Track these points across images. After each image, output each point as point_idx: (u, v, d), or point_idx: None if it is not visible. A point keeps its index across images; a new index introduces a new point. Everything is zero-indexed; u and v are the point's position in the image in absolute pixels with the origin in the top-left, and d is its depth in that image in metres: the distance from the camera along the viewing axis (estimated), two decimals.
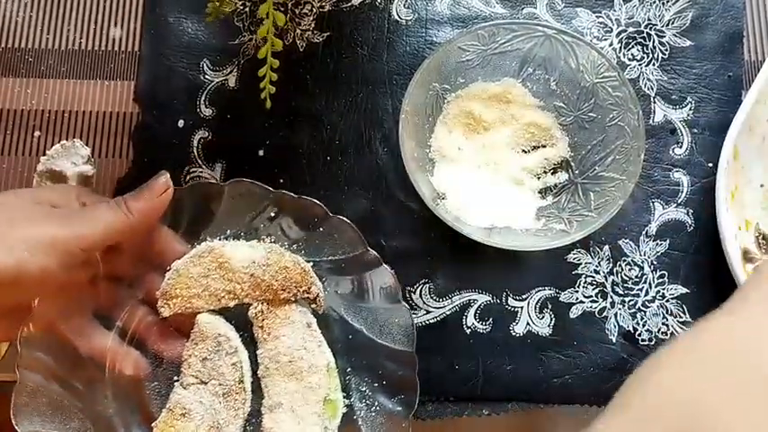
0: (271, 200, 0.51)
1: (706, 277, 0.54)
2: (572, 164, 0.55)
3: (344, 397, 0.50)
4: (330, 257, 0.51)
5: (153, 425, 0.49)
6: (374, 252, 0.50)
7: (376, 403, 0.50)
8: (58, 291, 0.46)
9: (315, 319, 0.50)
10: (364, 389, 0.51)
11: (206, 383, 0.48)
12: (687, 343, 0.37)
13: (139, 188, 0.47)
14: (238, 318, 0.51)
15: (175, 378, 0.50)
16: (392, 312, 0.50)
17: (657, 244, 0.55)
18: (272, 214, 0.51)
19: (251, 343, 0.50)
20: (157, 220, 0.48)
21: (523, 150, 0.55)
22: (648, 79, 0.57)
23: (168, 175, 0.48)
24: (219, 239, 0.51)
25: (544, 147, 0.55)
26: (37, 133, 0.57)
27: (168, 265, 0.49)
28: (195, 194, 0.51)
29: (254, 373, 0.50)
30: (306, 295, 0.50)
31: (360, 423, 0.50)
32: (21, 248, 0.42)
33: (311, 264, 0.51)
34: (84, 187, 0.49)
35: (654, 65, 0.57)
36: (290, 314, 0.50)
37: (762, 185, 0.55)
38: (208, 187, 0.51)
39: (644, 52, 0.57)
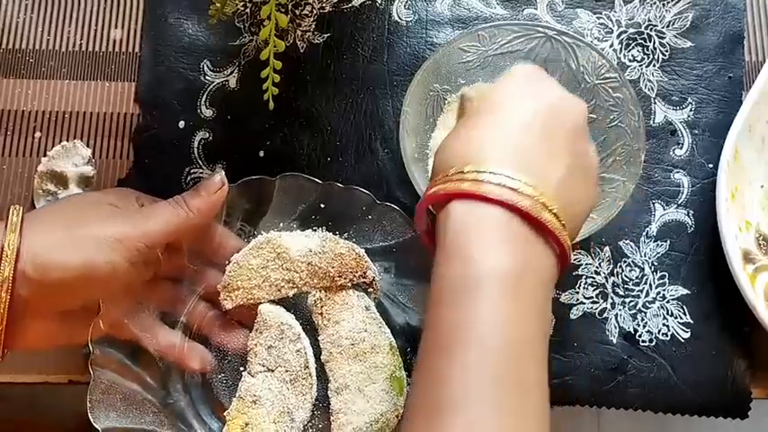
0: (319, 191, 0.52)
1: (707, 278, 0.54)
2: None
3: (407, 376, 0.51)
4: (381, 243, 0.52)
5: (225, 413, 0.50)
6: None
7: None
8: (124, 289, 0.47)
9: (372, 303, 0.51)
10: None
11: (273, 371, 0.50)
12: None
13: (195, 186, 0.49)
14: (297, 306, 0.52)
15: (241, 368, 0.51)
16: None
17: (658, 245, 0.55)
18: (322, 205, 0.52)
19: (311, 330, 0.51)
20: (213, 217, 0.50)
21: None
22: (649, 80, 0.57)
23: (223, 173, 0.50)
24: (272, 232, 0.52)
25: None
26: (37, 134, 0.57)
27: (225, 261, 0.51)
28: (247, 191, 0.52)
29: (317, 359, 0.51)
30: (362, 280, 0.51)
31: None
32: (89, 247, 0.44)
33: (363, 250, 0.52)
34: (140, 192, 0.51)
35: (654, 66, 0.57)
36: (348, 299, 0.51)
37: (762, 186, 0.55)
38: (258, 183, 0.52)
39: (644, 53, 0.57)
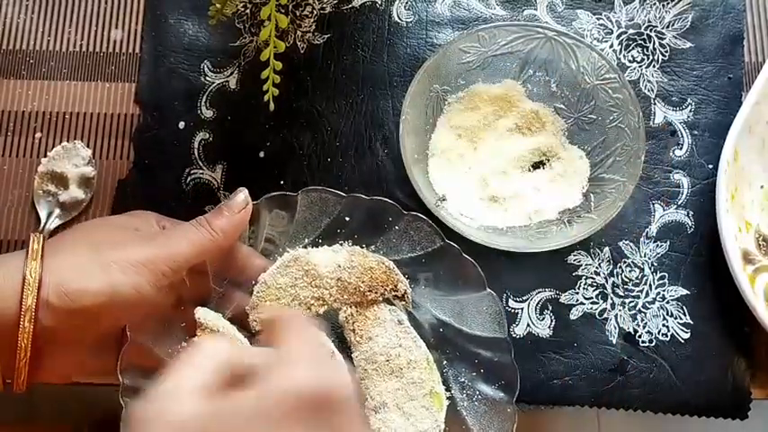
0: (343, 204, 0.51)
1: (706, 279, 0.54)
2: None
3: (444, 390, 0.50)
4: (410, 254, 0.51)
5: None
6: (453, 243, 0.50)
7: (477, 392, 0.50)
8: (150, 314, 0.46)
9: (405, 316, 0.50)
10: (463, 379, 0.50)
11: None
12: None
13: (218, 206, 0.48)
14: (327, 324, 0.51)
15: None
16: (479, 301, 0.50)
17: (658, 245, 0.55)
18: (347, 218, 0.51)
19: (344, 348, 0.50)
20: (238, 237, 0.49)
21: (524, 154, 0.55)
22: (649, 81, 0.57)
23: (247, 192, 0.48)
24: (299, 248, 0.51)
25: (547, 158, 0.55)
26: (38, 135, 0.57)
27: (251, 282, 0.49)
28: (270, 207, 0.51)
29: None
30: (393, 293, 0.50)
31: (464, 414, 0.50)
32: (114, 272, 0.43)
33: (393, 263, 0.51)
34: (160, 215, 0.50)
35: (654, 66, 0.57)
36: (380, 314, 0.49)
37: (762, 187, 0.55)
38: (281, 199, 0.51)
39: (644, 54, 0.57)
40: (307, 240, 0.52)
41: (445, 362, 0.51)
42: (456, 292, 0.51)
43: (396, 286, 0.50)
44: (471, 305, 0.50)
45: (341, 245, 0.51)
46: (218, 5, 0.52)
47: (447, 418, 0.49)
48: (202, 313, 0.48)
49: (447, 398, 0.50)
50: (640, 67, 0.57)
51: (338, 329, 0.51)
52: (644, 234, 0.55)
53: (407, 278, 0.51)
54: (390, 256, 0.51)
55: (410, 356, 0.49)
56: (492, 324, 0.50)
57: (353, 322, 0.49)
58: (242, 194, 0.48)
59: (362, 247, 0.51)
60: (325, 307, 0.49)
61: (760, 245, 0.54)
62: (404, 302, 0.50)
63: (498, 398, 0.49)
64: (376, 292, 0.49)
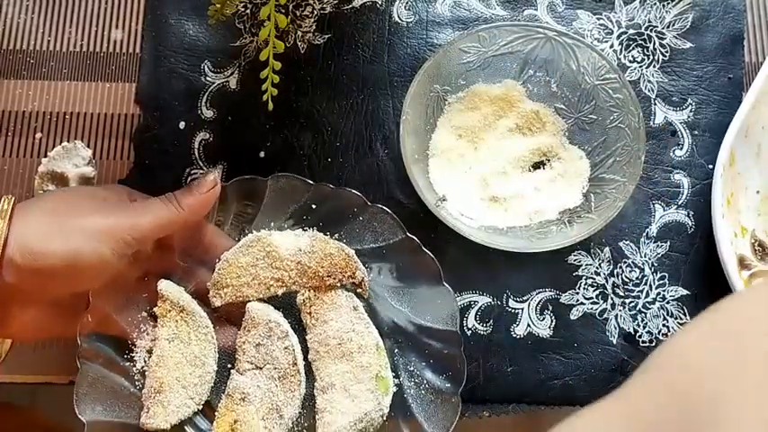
0: (311, 192, 0.52)
1: (706, 279, 0.54)
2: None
3: (393, 377, 0.51)
4: (371, 245, 0.52)
5: (216, 413, 0.50)
6: (414, 238, 0.51)
7: (425, 381, 0.51)
8: (113, 282, 0.48)
9: (361, 303, 0.51)
10: (412, 368, 0.51)
11: (261, 368, 0.50)
12: (707, 317, 0.36)
13: (188, 184, 0.50)
14: (286, 306, 0.52)
15: (229, 366, 0.52)
16: (435, 294, 0.51)
17: (658, 246, 0.55)
18: (313, 206, 0.52)
19: (300, 329, 0.52)
20: (205, 215, 0.50)
21: (524, 156, 0.55)
22: (649, 81, 0.57)
23: (216, 173, 0.50)
24: (263, 231, 0.52)
25: (547, 158, 0.55)
26: (38, 135, 0.57)
27: (215, 260, 0.51)
28: (239, 190, 0.52)
29: (305, 358, 0.51)
30: (351, 280, 0.51)
31: (410, 402, 0.51)
32: (77, 236, 0.44)
33: (353, 251, 0.52)
34: (133, 189, 0.51)
35: (654, 67, 0.57)
36: (337, 299, 0.51)
37: (758, 192, 0.55)
38: (251, 183, 0.52)
39: (644, 54, 0.57)
40: (273, 224, 0.53)
41: (397, 350, 0.52)
42: (413, 285, 0.52)
43: (354, 273, 0.51)
44: (427, 298, 0.51)
45: (305, 230, 0.52)
46: (217, 5, 0.52)
47: (393, 403, 0.50)
48: (165, 286, 0.50)
49: (396, 385, 0.51)
50: (641, 67, 0.57)
51: (295, 311, 0.52)
52: (644, 234, 0.55)
53: (367, 267, 0.52)
54: (353, 245, 0.52)
55: (361, 341, 0.50)
56: (445, 318, 0.51)
57: (311, 305, 0.51)
58: (212, 175, 0.50)
59: (327, 235, 0.52)
60: (284, 288, 0.51)
61: (756, 250, 0.54)
62: (361, 290, 0.52)
63: (444, 388, 0.50)
64: (334, 278, 0.51)
